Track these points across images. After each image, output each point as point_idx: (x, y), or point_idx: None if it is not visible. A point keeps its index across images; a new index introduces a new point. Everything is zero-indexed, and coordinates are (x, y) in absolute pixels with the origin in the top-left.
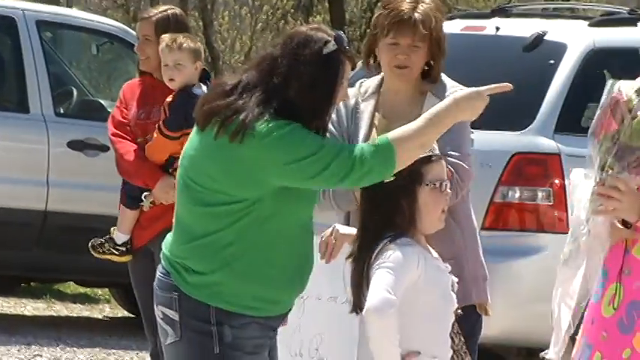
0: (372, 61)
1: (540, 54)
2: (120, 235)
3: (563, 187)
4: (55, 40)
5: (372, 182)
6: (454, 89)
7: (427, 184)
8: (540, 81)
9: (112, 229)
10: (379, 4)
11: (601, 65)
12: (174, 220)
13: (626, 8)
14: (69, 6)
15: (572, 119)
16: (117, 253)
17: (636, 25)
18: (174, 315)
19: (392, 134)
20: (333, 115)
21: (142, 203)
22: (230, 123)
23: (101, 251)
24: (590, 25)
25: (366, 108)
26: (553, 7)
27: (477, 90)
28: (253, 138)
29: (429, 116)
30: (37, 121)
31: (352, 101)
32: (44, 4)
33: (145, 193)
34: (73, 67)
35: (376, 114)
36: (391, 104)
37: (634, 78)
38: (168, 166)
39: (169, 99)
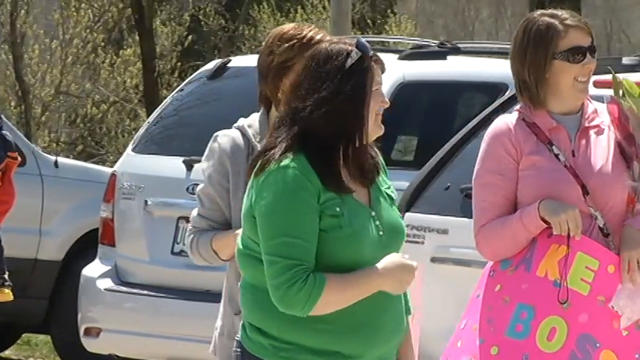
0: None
1: None
2: None
3: None
4: None
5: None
6: None
7: None
8: None
9: None
10: (279, 37)
11: (410, 98)
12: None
13: (436, 42)
14: None
15: (382, 152)
16: None
17: (446, 59)
18: None
19: (330, 279)
20: (218, 165)
21: None
22: (258, 161)
23: None
24: (400, 58)
25: None
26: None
27: (405, 263)
28: (263, 178)
29: (354, 279)
30: None
31: (243, 144)
32: None
33: None
34: None
35: None
36: None
37: (444, 111)
38: None
39: None
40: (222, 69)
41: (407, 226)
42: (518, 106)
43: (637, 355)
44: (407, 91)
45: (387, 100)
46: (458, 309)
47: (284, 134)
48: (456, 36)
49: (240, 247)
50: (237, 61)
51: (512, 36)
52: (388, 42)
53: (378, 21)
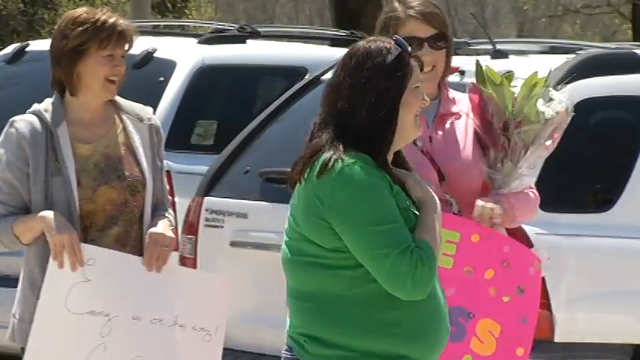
0: (75, 80)
1: (150, 71)
2: None
3: (173, 204)
4: None
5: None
6: (143, 110)
7: None
8: (150, 98)
9: None
10: (71, 22)
11: (210, 82)
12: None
13: (236, 25)
14: None
15: (182, 136)
16: None
17: (246, 43)
18: None
19: (422, 236)
20: (17, 150)
21: None
22: (313, 162)
23: None
24: (200, 42)
25: (63, 135)
26: (164, 24)
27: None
28: (332, 178)
29: (433, 230)
30: None
31: (41, 128)
32: None
33: None
34: None
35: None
36: (88, 125)
37: (244, 95)
38: None
39: None
40: (20, 53)
41: (206, 210)
42: None
43: (522, 320)
44: (206, 75)
45: (428, 100)
46: (259, 293)
47: (332, 134)
48: (256, 20)
49: (290, 255)
50: (36, 46)
51: (311, 20)
52: (188, 26)
53: (178, 5)
